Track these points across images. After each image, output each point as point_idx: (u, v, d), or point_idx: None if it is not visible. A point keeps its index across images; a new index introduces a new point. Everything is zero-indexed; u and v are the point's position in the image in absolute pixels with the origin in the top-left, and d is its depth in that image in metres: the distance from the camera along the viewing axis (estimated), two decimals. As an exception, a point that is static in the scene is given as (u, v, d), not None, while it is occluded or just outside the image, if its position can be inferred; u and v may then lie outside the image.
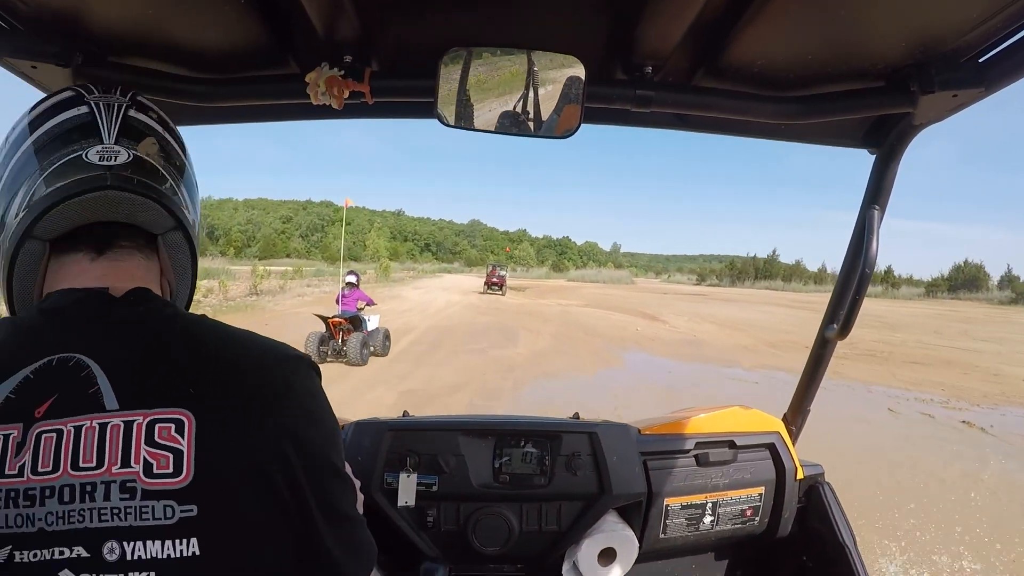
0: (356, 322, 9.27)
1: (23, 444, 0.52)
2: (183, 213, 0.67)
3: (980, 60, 0.91)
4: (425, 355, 10.89)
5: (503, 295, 33.05)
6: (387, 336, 10.09)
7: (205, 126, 1.20)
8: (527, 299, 31.69)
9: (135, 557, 0.51)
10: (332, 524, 0.61)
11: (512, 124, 1.01)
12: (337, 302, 9.79)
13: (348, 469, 0.67)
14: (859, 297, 1.23)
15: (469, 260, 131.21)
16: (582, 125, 1.00)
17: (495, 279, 34.42)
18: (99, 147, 0.62)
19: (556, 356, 11.66)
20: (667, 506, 1.40)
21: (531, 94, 0.99)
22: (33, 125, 0.64)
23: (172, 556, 0.51)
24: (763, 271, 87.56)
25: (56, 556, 0.50)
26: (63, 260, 0.63)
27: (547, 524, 1.37)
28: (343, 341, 9.04)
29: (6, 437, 0.52)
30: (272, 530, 0.56)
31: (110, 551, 0.51)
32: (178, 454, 0.52)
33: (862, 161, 1.26)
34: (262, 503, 0.55)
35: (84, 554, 0.50)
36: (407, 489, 1.31)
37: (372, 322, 9.65)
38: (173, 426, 0.53)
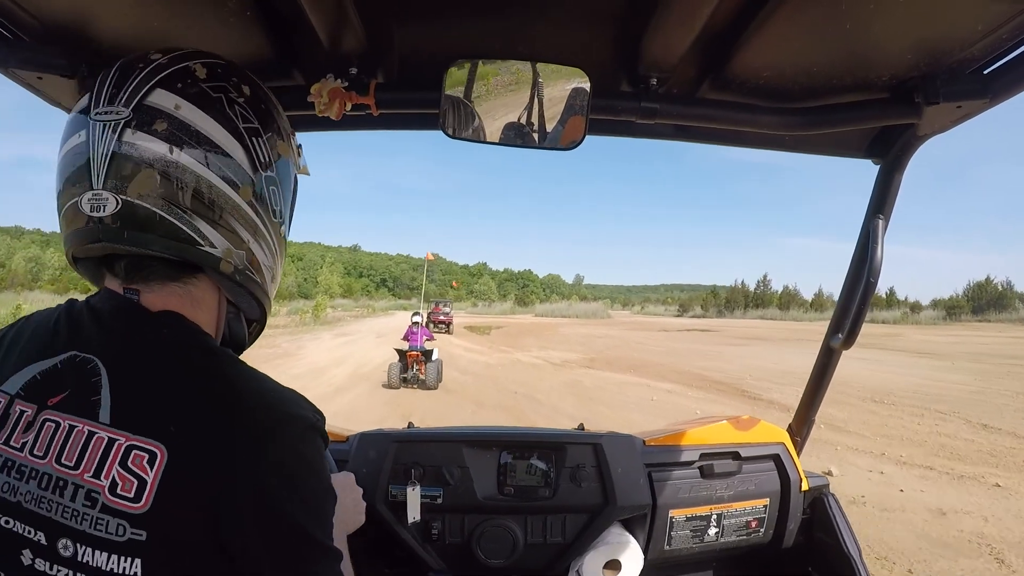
0: (427, 354, 11.73)
1: (32, 424, 0.60)
2: (201, 251, 0.65)
3: (984, 71, 0.95)
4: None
5: (451, 335, 29.22)
6: (442, 366, 12.49)
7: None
8: (495, 351, 20.38)
9: (84, 560, 0.56)
10: None
11: (516, 136, 1.02)
12: (406, 338, 12.16)
13: (336, 540, 0.65)
14: (864, 307, 1.27)
15: (428, 295, 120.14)
16: (587, 136, 1.02)
17: (441, 317, 31.45)
18: (89, 194, 0.62)
19: None
20: (672, 518, 1.42)
21: (536, 106, 1.00)
22: (63, 138, 0.66)
23: (115, 571, 0.56)
24: (755, 299, 78.82)
25: (23, 532, 0.57)
26: (107, 278, 0.70)
27: (552, 536, 1.39)
28: (419, 370, 11.62)
29: (21, 413, 0.60)
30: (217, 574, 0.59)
31: (64, 547, 0.56)
32: (143, 483, 0.56)
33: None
34: (210, 550, 0.58)
35: (43, 541, 0.57)
36: (415, 505, 1.31)
37: (435, 354, 12.02)
38: (147, 456, 0.57)
